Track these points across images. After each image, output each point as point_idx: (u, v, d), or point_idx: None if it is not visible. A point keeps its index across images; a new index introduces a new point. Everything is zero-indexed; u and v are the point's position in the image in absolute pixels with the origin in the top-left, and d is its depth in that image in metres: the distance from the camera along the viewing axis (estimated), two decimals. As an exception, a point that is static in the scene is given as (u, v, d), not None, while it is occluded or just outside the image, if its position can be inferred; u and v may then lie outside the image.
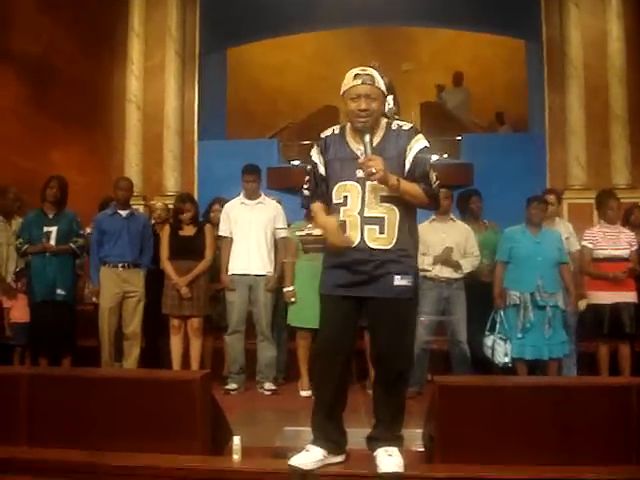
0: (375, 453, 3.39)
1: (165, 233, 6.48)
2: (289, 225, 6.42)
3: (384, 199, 3.45)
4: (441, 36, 13.85)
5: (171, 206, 6.97)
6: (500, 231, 6.66)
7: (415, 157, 3.44)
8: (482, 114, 12.97)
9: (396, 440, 3.43)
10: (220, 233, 6.43)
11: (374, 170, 3.31)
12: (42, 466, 3.28)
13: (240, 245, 6.31)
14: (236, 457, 3.17)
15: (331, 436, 3.50)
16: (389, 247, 3.44)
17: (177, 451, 3.29)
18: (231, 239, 6.35)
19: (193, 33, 10.25)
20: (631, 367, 5.98)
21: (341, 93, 3.55)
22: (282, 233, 6.33)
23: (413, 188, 3.42)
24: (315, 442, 3.48)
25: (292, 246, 6.13)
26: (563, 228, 6.51)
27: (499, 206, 6.99)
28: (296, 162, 10.59)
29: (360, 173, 3.44)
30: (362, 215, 3.45)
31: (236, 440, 3.19)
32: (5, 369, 4.17)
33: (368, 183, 3.43)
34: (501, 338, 5.83)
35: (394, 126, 3.54)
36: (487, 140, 11.06)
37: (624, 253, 6.08)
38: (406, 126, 3.54)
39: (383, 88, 3.52)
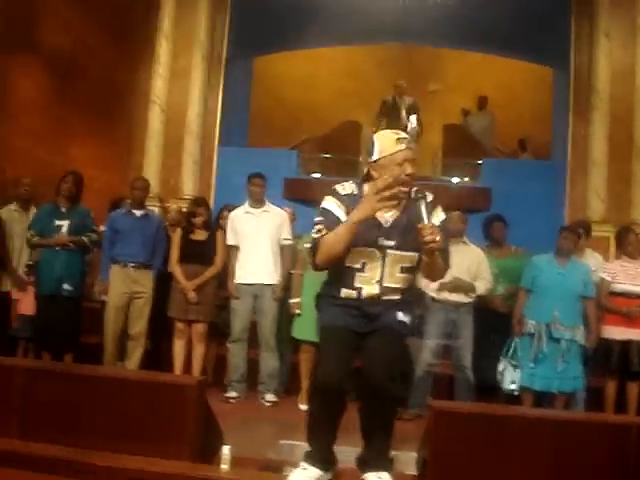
0: (364, 476, 3.34)
1: (176, 236, 6.46)
2: (300, 237, 6.39)
3: (404, 270, 3.44)
4: (469, 59, 13.80)
5: (185, 209, 6.95)
6: (525, 258, 6.59)
7: (440, 226, 3.35)
8: (506, 140, 12.90)
9: (386, 464, 3.38)
10: (227, 242, 6.40)
11: (438, 239, 3.20)
12: (31, 460, 3.25)
13: (246, 254, 6.29)
14: (224, 467, 3.12)
15: (328, 457, 3.47)
16: (398, 298, 3.46)
17: (166, 456, 3.25)
18: (237, 247, 6.33)
19: (221, 39, 10.28)
20: (638, 406, 5.89)
21: (377, 157, 3.41)
22: (287, 241, 6.30)
23: (442, 265, 3.41)
24: (311, 460, 3.43)
25: (301, 258, 6.10)
26: (592, 260, 6.44)
27: (517, 232, 6.92)
28: (316, 175, 10.58)
29: (382, 241, 3.37)
30: (381, 284, 3.42)
31: (225, 450, 3.15)
32: (2, 360, 4.14)
33: (389, 252, 3.38)
34: (512, 365, 5.77)
35: (412, 195, 3.41)
36: (507, 165, 10.99)
37: (640, 290, 6.00)
38: (428, 196, 3.41)
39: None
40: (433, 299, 6.00)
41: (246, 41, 10.62)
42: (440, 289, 5.93)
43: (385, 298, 3.44)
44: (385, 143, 3.42)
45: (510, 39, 10.49)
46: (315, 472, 3.39)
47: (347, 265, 3.42)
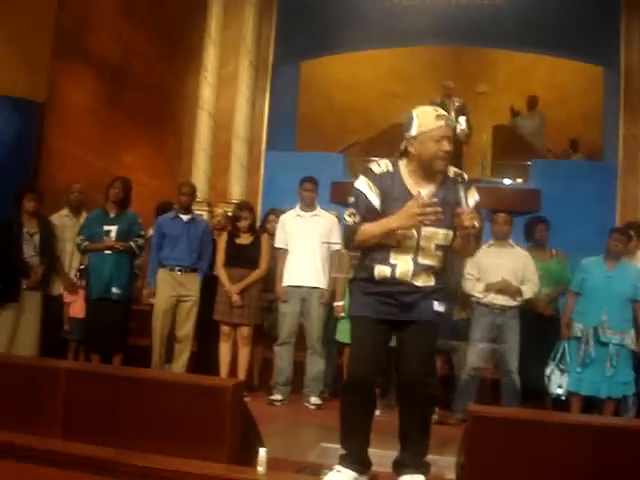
0: (400, 479, 3.33)
1: (222, 240, 6.53)
2: (344, 240, 6.40)
3: (438, 247, 3.44)
4: (518, 59, 13.63)
5: (231, 214, 7.02)
6: (566, 261, 6.50)
7: (473, 209, 3.37)
8: (557, 141, 12.70)
9: (422, 467, 3.37)
10: (276, 244, 6.46)
11: (477, 224, 3.26)
12: (72, 460, 3.32)
13: (295, 257, 6.34)
14: (260, 469, 3.15)
15: (363, 458, 3.47)
16: (432, 284, 3.45)
17: (204, 457, 3.27)
18: (286, 250, 6.37)
19: (268, 44, 10.35)
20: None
21: (416, 133, 3.40)
22: (336, 246, 6.30)
23: (473, 245, 3.49)
24: (345, 463, 3.43)
25: (345, 261, 6.11)
26: None
27: (566, 234, 6.83)
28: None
29: None
30: (415, 261, 3.40)
31: (262, 452, 3.17)
32: (46, 362, 4.24)
33: (424, 229, 3.36)
34: (560, 369, 5.69)
35: (451, 173, 3.46)
36: (557, 166, 10.80)
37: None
38: (464, 175, 3.47)
39: None
40: (479, 303, 5.95)
41: (292, 46, 10.66)
42: (487, 290, 5.89)
43: (419, 284, 3.41)
44: (424, 119, 3.40)
45: (560, 39, 10.32)
46: (349, 475, 3.39)
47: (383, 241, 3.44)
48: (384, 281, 3.42)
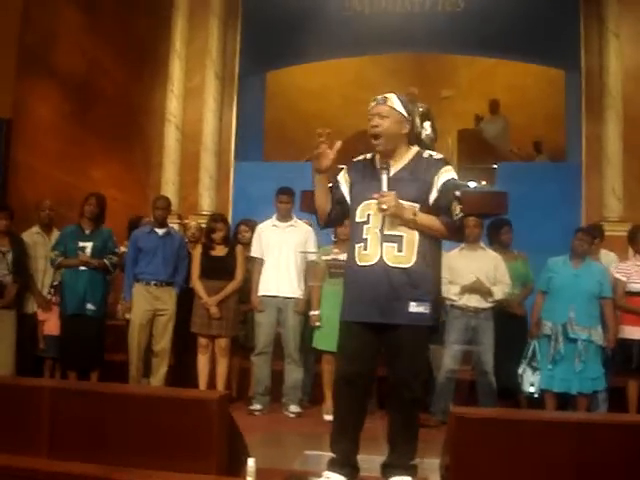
0: None
1: (197, 252, 6.55)
2: (319, 248, 6.45)
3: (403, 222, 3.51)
4: (481, 64, 13.83)
5: (204, 225, 7.04)
6: (528, 262, 6.63)
7: (441, 188, 3.45)
8: (521, 143, 12.91)
9: (409, 469, 3.42)
10: (252, 254, 6.50)
11: (385, 207, 3.38)
12: (60, 478, 3.32)
13: (271, 267, 6.37)
14: (249, 479, 3.18)
15: (351, 461, 3.51)
16: (407, 266, 3.43)
17: (192, 470, 3.30)
18: (262, 260, 6.41)
19: (233, 56, 10.40)
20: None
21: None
22: (312, 256, 6.35)
23: (431, 222, 3.46)
24: (334, 467, 3.49)
25: (319, 270, 6.16)
26: (607, 259, 6.47)
27: (533, 235, 6.94)
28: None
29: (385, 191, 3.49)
30: (382, 232, 3.47)
31: (250, 462, 3.20)
32: (29, 381, 4.22)
33: None
34: (532, 367, 5.78)
35: (425, 154, 3.57)
36: (523, 169, 10.97)
37: (657, 289, 5.99)
38: (437, 156, 3.57)
39: (401, 110, 3.54)
40: (453, 305, 6.05)
41: (258, 57, 10.71)
42: (462, 292, 5.98)
43: (390, 263, 3.43)
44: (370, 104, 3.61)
45: (520, 43, 10.48)
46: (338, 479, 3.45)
47: (357, 221, 3.56)
48: (362, 269, 3.49)
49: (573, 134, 10.42)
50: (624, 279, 6.07)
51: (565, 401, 5.82)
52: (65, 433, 3.54)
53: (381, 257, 3.45)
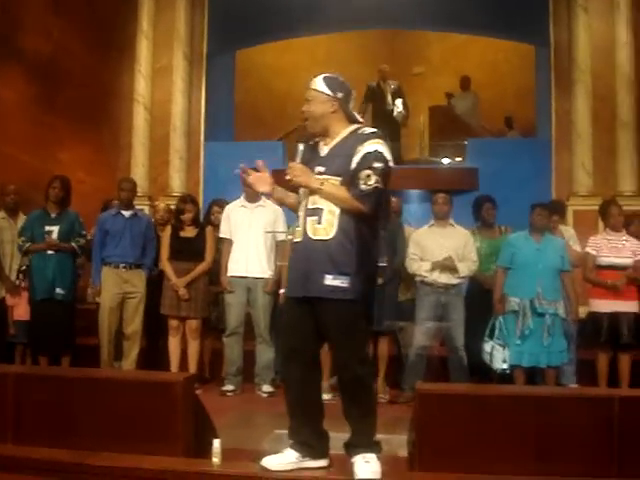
0: (353, 460, 3.38)
1: (166, 234, 6.52)
2: (289, 227, 6.43)
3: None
4: (452, 40, 13.83)
5: (173, 207, 7.00)
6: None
7: (360, 159, 3.41)
8: (492, 119, 12.94)
9: (372, 446, 3.40)
10: (221, 235, 6.47)
11: (287, 177, 3.46)
12: (27, 464, 3.32)
13: (239, 247, 6.35)
14: (215, 460, 3.19)
15: (306, 440, 3.49)
16: (327, 238, 3.41)
17: (160, 453, 3.31)
18: (231, 241, 6.39)
19: (201, 35, 10.31)
20: (630, 377, 5.95)
21: None
22: (281, 236, 6.33)
23: (338, 192, 3.42)
24: (291, 445, 3.50)
25: (287, 249, 6.14)
26: (566, 234, 6.52)
27: (504, 211, 6.96)
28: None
29: (317, 169, 3.50)
30: (306, 207, 3.50)
31: (216, 443, 3.21)
32: (-7, 367, 4.21)
33: (319, 177, 3.48)
34: (500, 344, 5.78)
35: (360, 131, 3.54)
36: (493, 145, 11.00)
37: (626, 262, 6.03)
38: (368, 130, 3.54)
39: (324, 90, 3.54)
40: (423, 282, 6.06)
41: (226, 36, 10.64)
42: (433, 268, 5.99)
43: (312, 235, 3.44)
44: None
45: (490, 18, 10.49)
46: (291, 456, 3.46)
47: (299, 201, 3.61)
48: (295, 245, 3.57)
49: (543, 109, 10.46)
50: (594, 253, 6.11)
51: (533, 374, 5.86)
52: (31, 419, 3.54)
53: (305, 232, 3.49)
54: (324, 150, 3.57)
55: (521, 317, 5.72)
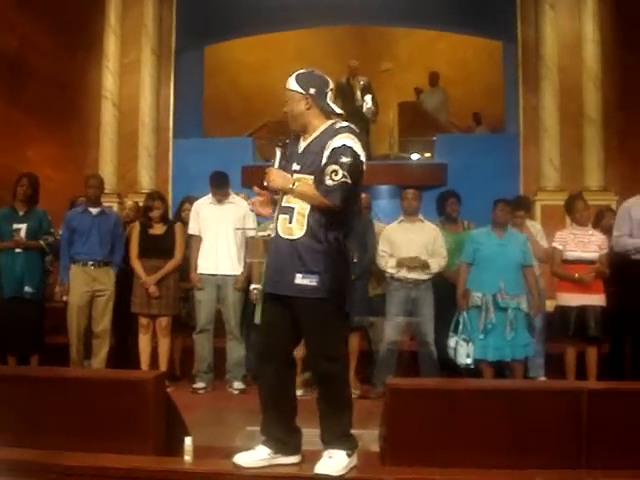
0: (322, 453, 3.40)
1: (134, 231, 6.47)
2: (259, 224, 6.42)
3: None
4: (421, 36, 13.89)
5: (142, 204, 6.95)
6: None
7: (330, 153, 3.42)
8: (461, 115, 13.03)
9: (342, 442, 3.40)
10: (189, 232, 6.44)
11: (265, 183, 3.52)
12: (-5, 465, 3.28)
13: (209, 244, 6.33)
14: (187, 458, 3.18)
15: (278, 436, 3.49)
16: (296, 237, 3.44)
17: (131, 452, 3.29)
18: (200, 237, 6.37)
19: (169, 31, 10.22)
20: (597, 370, 6.02)
21: None
22: (251, 232, 6.32)
23: (309, 191, 3.45)
24: (263, 442, 3.51)
25: (259, 246, 6.13)
26: (533, 229, 6.59)
27: (473, 207, 7.00)
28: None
29: (294, 166, 3.54)
30: (280, 205, 3.54)
31: (187, 441, 3.20)
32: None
33: (294, 175, 3.51)
34: (464, 339, 5.81)
35: (336, 125, 3.53)
36: (461, 141, 11.11)
37: (593, 256, 6.07)
38: (341, 124, 3.53)
39: (296, 89, 3.54)
40: (392, 278, 6.09)
41: (195, 31, 10.59)
42: (399, 265, 6.02)
43: (283, 234, 3.49)
44: None
45: (459, 15, 10.57)
46: (263, 452, 3.46)
47: (277, 197, 3.63)
48: (271, 242, 3.63)
49: (511, 105, 10.55)
50: (560, 247, 6.16)
51: (501, 369, 5.91)
52: (-1, 419, 3.50)
53: (277, 230, 3.54)
54: (301, 146, 3.58)
55: (484, 312, 5.76)
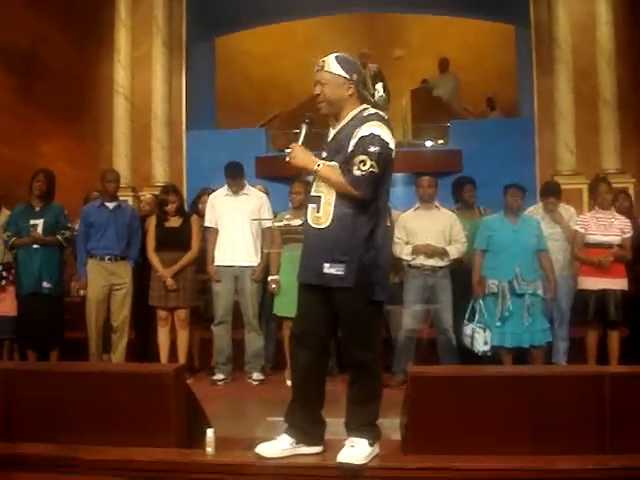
0: (345, 442, 3.39)
1: (151, 224, 6.47)
2: (275, 215, 6.41)
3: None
4: (432, 22, 13.78)
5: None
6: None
7: (356, 143, 3.37)
8: (474, 100, 12.93)
9: (365, 431, 3.39)
10: (206, 224, 6.44)
11: (287, 159, 3.47)
12: (18, 460, 3.29)
13: (225, 236, 6.33)
14: (209, 450, 3.18)
15: (301, 425, 3.48)
16: (323, 227, 3.42)
17: (153, 444, 3.30)
18: (217, 230, 6.36)
19: (180, 23, 10.19)
20: (620, 354, 5.98)
21: None
22: (267, 223, 6.30)
23: (333, 175, 3.40)
24: (285, 431, 3.50)
25: (277, 237, 6.13)
26: (566, 214, 6.53)
27: (488, 192, 6.95)
28: (287, 151, 10.55)
29: (322, 153, 3.52)
30: (309, 194, 3.53)
31: (209, 433, 3.20)
32: (-18, 364, 4.18)
33: (321, 163, 3.48)
34: (480, 327, 5.78)
35: (365, 112, 3.47)
36: (476, 126, 11.02)
37: (615, 240, 6.03)
38: (369, 111, 3.46)
39: (340, 72, 3.45)
40: (409, 266, 6.06)
41: (205, 23, 10.57)
42: (414, 253, 6.00)
43: (313, 224, 3.46)
44: None
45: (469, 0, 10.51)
46: (285, 442, 3.46)
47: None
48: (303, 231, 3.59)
49: (525, 89, 10.47)
50: (582, 231, 6.11)
51: (521, 356, 5.88)
52: (21, 415, 3.51)
53: (306, 219, 3.52)
54: (331, 134, 3.55)
55: (500, 299, 5.74)
